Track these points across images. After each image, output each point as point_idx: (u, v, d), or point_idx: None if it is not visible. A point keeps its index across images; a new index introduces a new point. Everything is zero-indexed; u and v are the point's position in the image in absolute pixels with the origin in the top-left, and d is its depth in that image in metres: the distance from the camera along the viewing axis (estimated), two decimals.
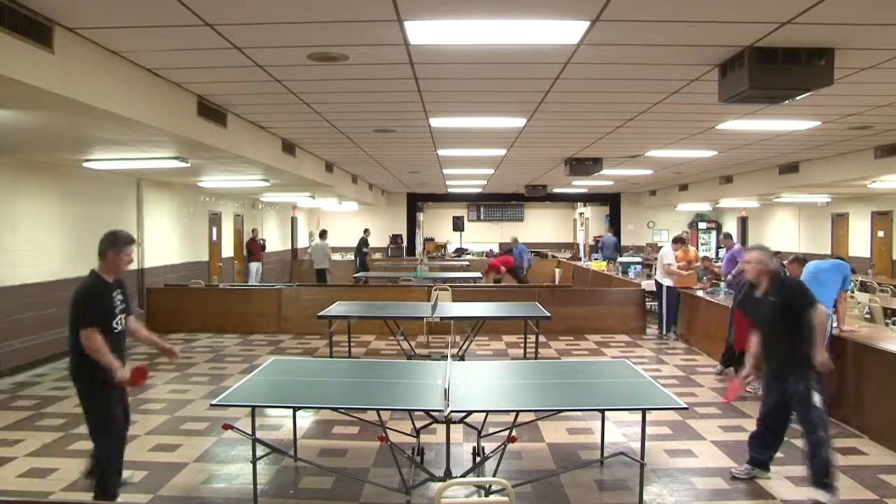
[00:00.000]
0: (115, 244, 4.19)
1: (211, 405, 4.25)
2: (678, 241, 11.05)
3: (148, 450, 5.33)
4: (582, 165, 11.69)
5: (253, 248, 16.81)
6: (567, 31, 4.58)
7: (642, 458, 4.27)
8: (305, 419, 6.14)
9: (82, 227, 9.52)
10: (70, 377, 4.16)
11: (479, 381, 4.93)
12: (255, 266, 16.61)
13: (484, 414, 4.91)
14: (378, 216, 23.13)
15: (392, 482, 4.54)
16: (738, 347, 7.58)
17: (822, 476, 4.29)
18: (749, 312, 4.77)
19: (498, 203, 27.39)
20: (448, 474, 4.44)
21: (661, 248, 10.77)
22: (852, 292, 9.71)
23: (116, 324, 4.23)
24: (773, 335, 4.56)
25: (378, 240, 21.72)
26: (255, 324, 11.07)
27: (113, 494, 4.17)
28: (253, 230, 17.13)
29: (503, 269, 16.49)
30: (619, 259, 15.60)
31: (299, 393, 4.79)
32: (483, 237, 27.49)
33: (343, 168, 14.25)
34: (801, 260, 6.72)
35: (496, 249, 26.05)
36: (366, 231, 19.00)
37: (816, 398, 4.35)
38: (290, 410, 5.47)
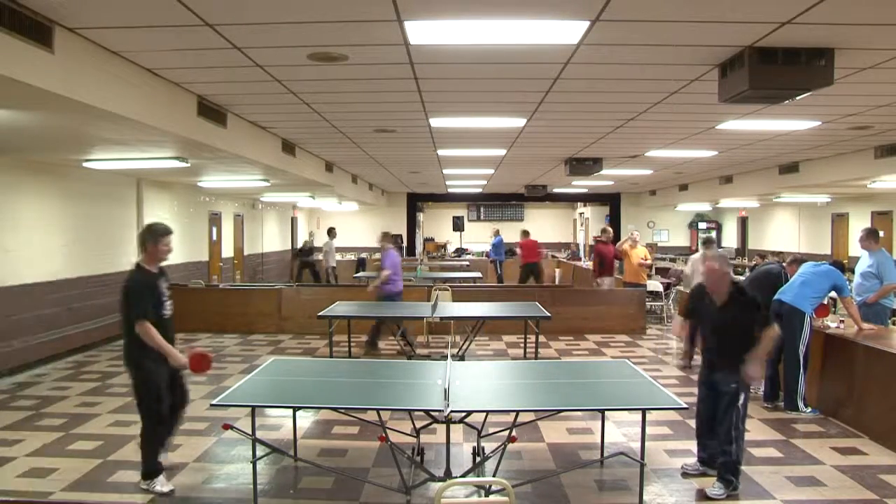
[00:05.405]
0: (153, 235, 4.60)
1: (211, 405, 4.25)
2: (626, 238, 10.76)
3: None
4: (582, 165, 11.69)
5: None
6: (567, 31, 4.58)
7: (642, 458, 4.27)
8: (305, 419, 6.14)
9: (82, 227, 9.52)
10: (124, 360, 4.57)
11: (479, 381, 4.93)
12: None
13: (484, 414, 4.91)
14: (378, 216, 23.11)
15: (392, 482, 4.54)
16: None
17: (726, 472, 4.43)
18: (701, 319, 4.82)
19: (498, 203, 27.38)
20: (448, 474, 4.44)
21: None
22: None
23: (165, 310, 4.62)
24: (722, 341, 4.63)
25: (372, 239, 21.19)
26: (255, 324, 11.07)
27: (155, 471, 4.52)
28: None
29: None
30: None
31: (299, 393, 4.80)
32: (483, 237, 27.48)
33: (343, 168, 14.25)
34: (800, 261, 6.76)
35: None
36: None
37: (742, 398, 4.48)
38: (290, 410, 5.47)
